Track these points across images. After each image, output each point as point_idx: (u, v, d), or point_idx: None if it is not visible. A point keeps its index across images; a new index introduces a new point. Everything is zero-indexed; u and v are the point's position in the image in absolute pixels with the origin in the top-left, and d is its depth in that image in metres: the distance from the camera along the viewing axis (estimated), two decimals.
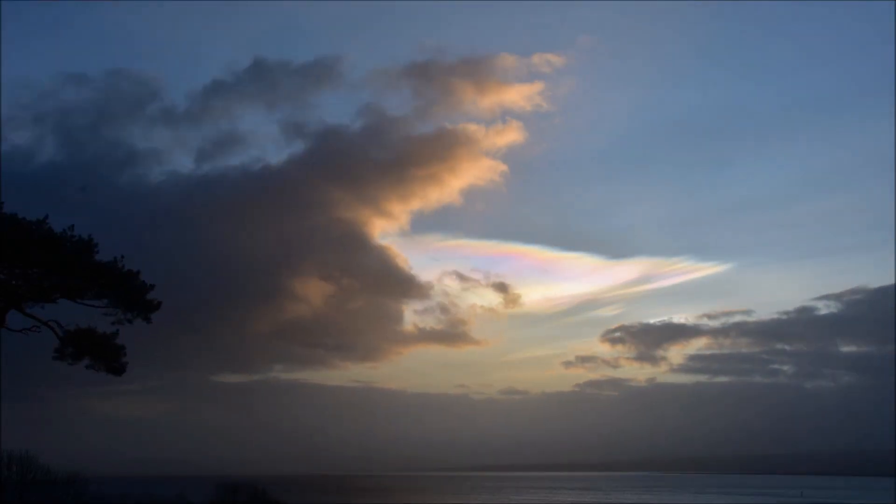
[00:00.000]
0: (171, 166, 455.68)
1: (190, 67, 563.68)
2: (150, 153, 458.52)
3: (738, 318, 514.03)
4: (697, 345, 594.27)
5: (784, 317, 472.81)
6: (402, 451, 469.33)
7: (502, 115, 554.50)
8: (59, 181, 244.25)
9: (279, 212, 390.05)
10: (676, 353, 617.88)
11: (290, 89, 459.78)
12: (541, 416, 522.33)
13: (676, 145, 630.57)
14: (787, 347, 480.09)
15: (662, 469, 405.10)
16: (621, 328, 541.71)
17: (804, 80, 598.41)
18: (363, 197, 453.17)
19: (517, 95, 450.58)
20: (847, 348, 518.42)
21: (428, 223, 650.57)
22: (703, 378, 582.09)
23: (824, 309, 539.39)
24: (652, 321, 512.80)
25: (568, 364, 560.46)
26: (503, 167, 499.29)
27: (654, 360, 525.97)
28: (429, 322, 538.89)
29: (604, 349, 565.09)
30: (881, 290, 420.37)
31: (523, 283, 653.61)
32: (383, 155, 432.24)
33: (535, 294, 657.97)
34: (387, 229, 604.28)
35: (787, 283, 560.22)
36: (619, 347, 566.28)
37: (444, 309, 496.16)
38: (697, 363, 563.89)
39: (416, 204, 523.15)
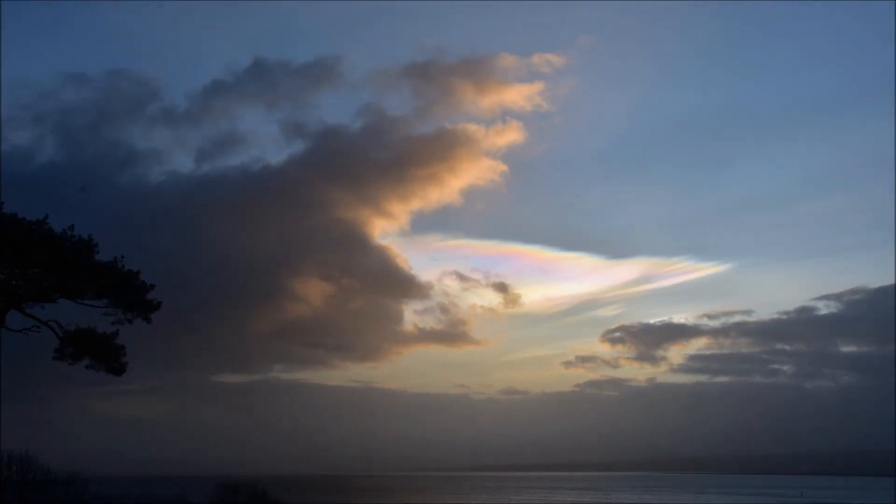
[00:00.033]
0: (171, 166, 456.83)
1: (190, 67, 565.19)
2: (150, 153, 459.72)
3: (738, 318, 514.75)
4: (697, 345, 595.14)
5: (784, 317, 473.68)
6: (402, 451, 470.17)
7: (502, 115, 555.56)
8: (59, 181, 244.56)
9: (279, 212, 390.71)
10: (676, 353, 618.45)
11: (290, 89, 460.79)
12: (541, 416, 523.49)
13: (676, 145, 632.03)
14: (787, 347, 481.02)
15: (662, 469, 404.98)
16: (621, 328, 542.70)
17: (804, 80, 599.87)
18: (363, 197, 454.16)
19: (517, 95, 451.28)
20: (847, 348, 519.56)
21: (428, 223, 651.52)
22: (703, 378, 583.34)
23: (824, 309, 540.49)
24: (652, 321, 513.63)
25: (568, 364, 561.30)
26: (503, 167, 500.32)
27: (654, 360, 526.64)
28: (429, 322, 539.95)
29: (604, 349, 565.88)
30: (881, 290, 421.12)
31: (523, 283, 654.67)
32: (383, 155, 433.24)
33: (535, 294, 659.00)
34: (387, 229, 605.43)
35: (787, 283, 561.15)
36: (619, 347, 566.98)
37: (444, 309, 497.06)
38: (697, 363, 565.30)
39: (416, 204, 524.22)
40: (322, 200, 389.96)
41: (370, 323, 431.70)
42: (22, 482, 47.70)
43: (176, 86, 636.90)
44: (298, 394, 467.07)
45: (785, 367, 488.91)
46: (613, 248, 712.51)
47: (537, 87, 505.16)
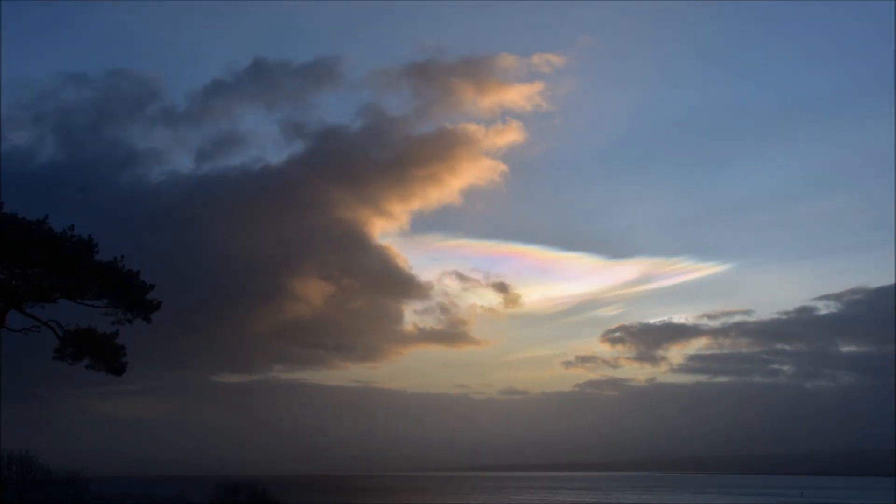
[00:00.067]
0: (171, 166, 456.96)
1: (190, 67, 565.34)
2: (150, 153, 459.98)
3: (738, 318, 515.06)
4: (697, 345, 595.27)
5: (784, 317, 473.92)
6: (402, 451, 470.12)
7: (502, 115, 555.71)
8: (59, 181, 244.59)
9: (279, 212, 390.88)
10: (676, 353, 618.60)
11: (290, 89, 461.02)
12: (541, 416, 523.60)
13: (676, 145, 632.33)
14: (787, 347, 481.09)
15: (662, 469, 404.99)
16: (621, 328, 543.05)
17: (804, 80, 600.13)
18: (363, 197, 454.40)
19: (517, 95, 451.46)
20: (847, 348, 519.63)
21: (428, 223, 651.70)
22: (703, 378, 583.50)
23: (824, 309, 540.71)
24: (652, 321, 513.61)
25: (568, 364, 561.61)
26: (503, 167, 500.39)
27: (654, 360, 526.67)
28: (429, 322, 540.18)
29: (604, 349, 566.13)
30: (881, 290, 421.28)
31: (523, 283, 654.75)
32: (383, 155, 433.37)
33: (535, 294, 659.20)
34: (387, 229, 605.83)
35: (787, 283, 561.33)
36: (619, 347, 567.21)
37: (444, 309, 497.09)
38: (697, 363, 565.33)
39: (416, 204, 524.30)
40: (322, 200, 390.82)
41: (370, 323, 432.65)
42: (22, 482, 47.69)
43: (176, 86, 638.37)
44: (298, 394, 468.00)
45: (785, 367, 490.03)
46: (613, 248, 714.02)
47: (537, 87, 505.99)
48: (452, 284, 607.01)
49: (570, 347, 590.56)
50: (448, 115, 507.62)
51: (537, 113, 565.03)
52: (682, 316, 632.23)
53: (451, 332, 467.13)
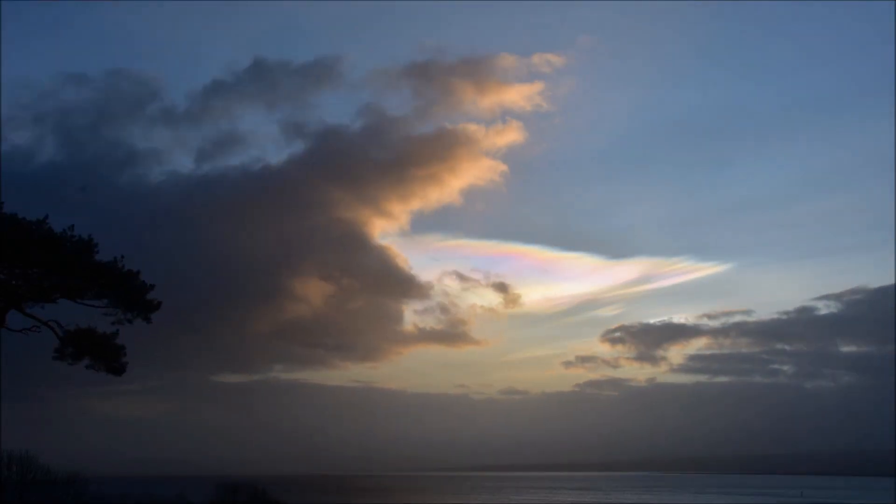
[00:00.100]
0: (171, 166, 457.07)
1: (190, 67, 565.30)
2: (150, 153, 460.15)
3: (738, 318, 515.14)
4: (697, 345, 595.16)
5: (784, 317, 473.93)
6: (402, 451, 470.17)
7: (502, 115, 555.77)
8: (59, 181, 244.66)
9: (279, 212, 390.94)
10: (676, 353, 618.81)
11: (290, 89, 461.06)
12: (541, 416, 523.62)
13: (676, 145, 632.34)
14: (787, 347, 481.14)
15: (662, 469, 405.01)
16: (621, 328, 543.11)
17: (804, 80, 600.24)
18: (363, 197, 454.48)
19: (517, 95, 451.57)
20: (847, 348, 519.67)
21: (428, 223, 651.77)
22: (703, 378, 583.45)
23: (824, 309, 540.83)
24: (652, 321, 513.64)
25: (568, 364, 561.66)
26: (503, 167, 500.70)
27: (654, 360, 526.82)
28: (429, 322, 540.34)
29: (604, 349, 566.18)
30: (881, 290, 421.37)
31: (523, 283, 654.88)
32: (383, 155, 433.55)
33: (535, 294, 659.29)
34: (387, 229, 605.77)
35: (787, 283, 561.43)
36: (619, 347, 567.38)
37: (444, 309, 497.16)
38: (697, 363, 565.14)
39: (416, 204, 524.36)
40: (322, 200, 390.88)
41: (370, 323, 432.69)
42: (22, 482, 47.70)
43: (176, 86, 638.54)
44: (298, 394, 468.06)
45: (785, 367, 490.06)
46: (613, 248, 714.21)
47: (537, 87, 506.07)
48: (452, 284, 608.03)
49: (570, 347, 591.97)
50: (448, 115, 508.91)
51: (537, 113, 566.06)
52: (682, 316, 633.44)
53: (451, 332, 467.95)
